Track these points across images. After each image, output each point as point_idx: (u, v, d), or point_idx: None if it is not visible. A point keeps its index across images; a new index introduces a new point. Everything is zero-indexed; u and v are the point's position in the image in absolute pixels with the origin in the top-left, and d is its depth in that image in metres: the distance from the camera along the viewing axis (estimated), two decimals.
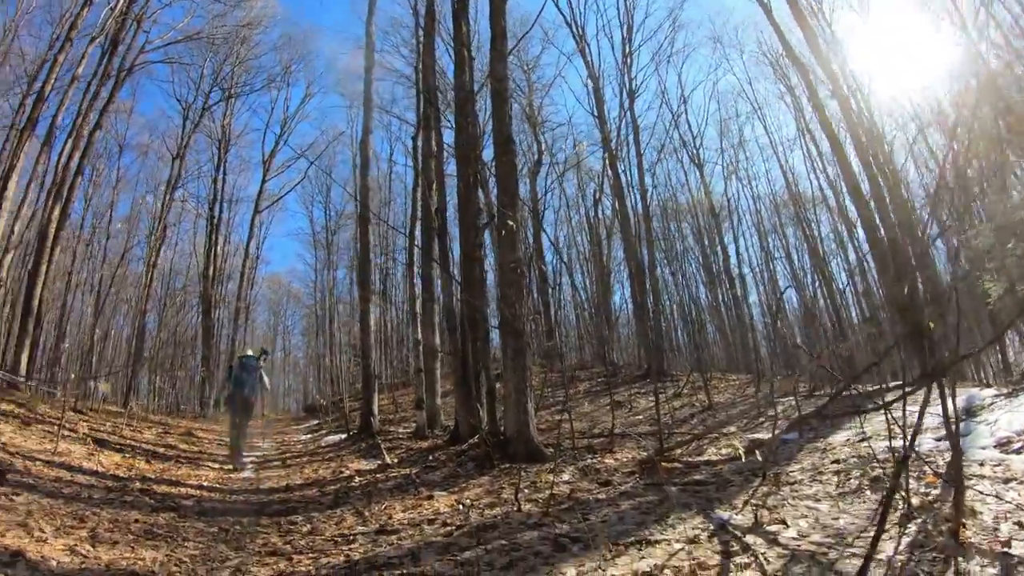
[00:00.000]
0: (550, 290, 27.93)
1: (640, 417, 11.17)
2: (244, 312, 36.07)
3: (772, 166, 32.10)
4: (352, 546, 4.95)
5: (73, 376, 16.71)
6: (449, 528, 5.19)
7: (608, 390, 14.50)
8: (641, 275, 19.36)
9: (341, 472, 8.71)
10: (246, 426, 10.37)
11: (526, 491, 6.18)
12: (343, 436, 12.65)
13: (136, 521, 5.40)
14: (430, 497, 6.49)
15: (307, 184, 39.84)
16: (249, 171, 39.08)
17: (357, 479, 7.99)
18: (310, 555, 4.78)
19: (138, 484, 6.95)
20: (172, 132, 31.51)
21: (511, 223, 8.48)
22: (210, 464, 9.65)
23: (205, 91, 31.88)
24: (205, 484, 7.82)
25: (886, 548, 3.34)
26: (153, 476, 7.72)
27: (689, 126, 29.58)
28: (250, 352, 11.04)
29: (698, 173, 29.12)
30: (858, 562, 3.13)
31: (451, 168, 14.76)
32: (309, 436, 15.31)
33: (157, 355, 33.44)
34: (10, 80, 21.53)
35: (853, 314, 27.25)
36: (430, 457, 8.76)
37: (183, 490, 7.14)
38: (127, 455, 8.81)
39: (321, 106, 71.25)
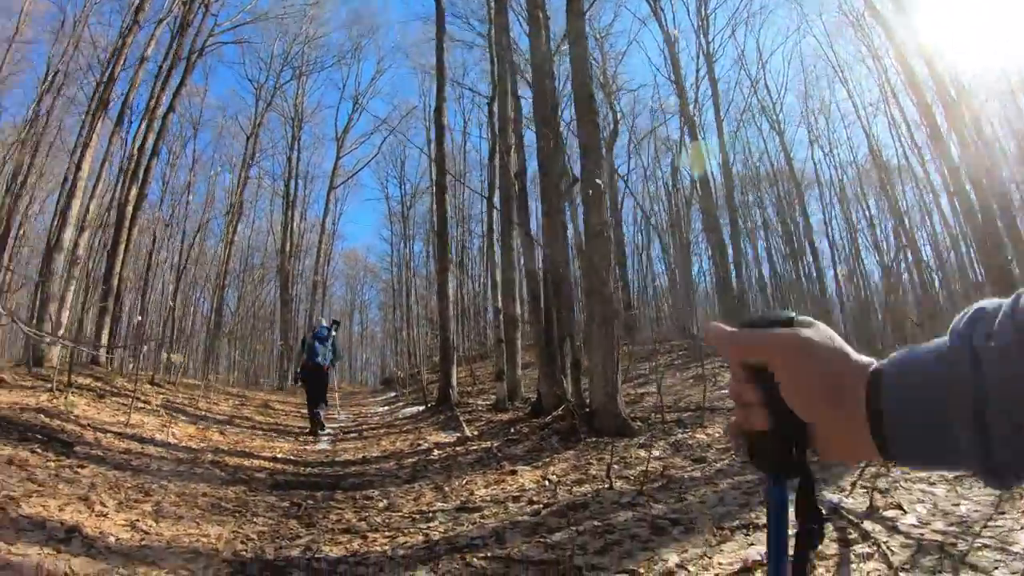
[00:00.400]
0: (627, 261, 27.12)
1: (727, 391, 10.42)
2: (321, 287, 36.40)
3: (853, 132, 30.11)
4: (431, 524, 4.50)
5: (146, 348, 16.67)
6: (536, 506, 4.71)
7: (690, 363, 13.87)
8: (723, 245, 18.45)
9: (419, 444, 8.32)
10: (323, 394, 10.42)
11: (616, 467, 5.65)
12: (421, 408, 12.29)
13: (204, 495, 5.07)
14: (513, 472, 6.00)
15: (381, 159, 39.96)
16: (323, 148, 39.35)
17: (436, 452, 7.57)
18: (386, 533, 4.35)
19: (210, 456, 6.66)
20: (245, 112, 31.98)
21: (597, 182, 7.92)
22: (285, 436, 9.41)
23: (276, 71, 32.35)
24: (279, 456, 7.51)
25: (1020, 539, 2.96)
26: (226, 448, 7.44)
27: (768, 91, 27.92)
28: (324, 323, 11.21)
29: (778, 140, 27.70)
30: (993, 555, 2.81)
31: (528, 139, 14.23)
32: (386, 408, 15.06)
33: (236, 329, 34.07)
34: (84, 67, 21.93)
35: (939, 287, 25.72)
36: (511, 430, 8.27)
37: (256, 462, 6.83)
38: (201, 426, 8.60)
39: (392, 79, 70.78)
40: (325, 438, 9.39)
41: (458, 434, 8.80)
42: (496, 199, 13.66)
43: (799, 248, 28.68)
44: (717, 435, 6.61)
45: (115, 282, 19.02)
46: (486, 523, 4.44)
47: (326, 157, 37.73)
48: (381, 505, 5.18)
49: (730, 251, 19.11)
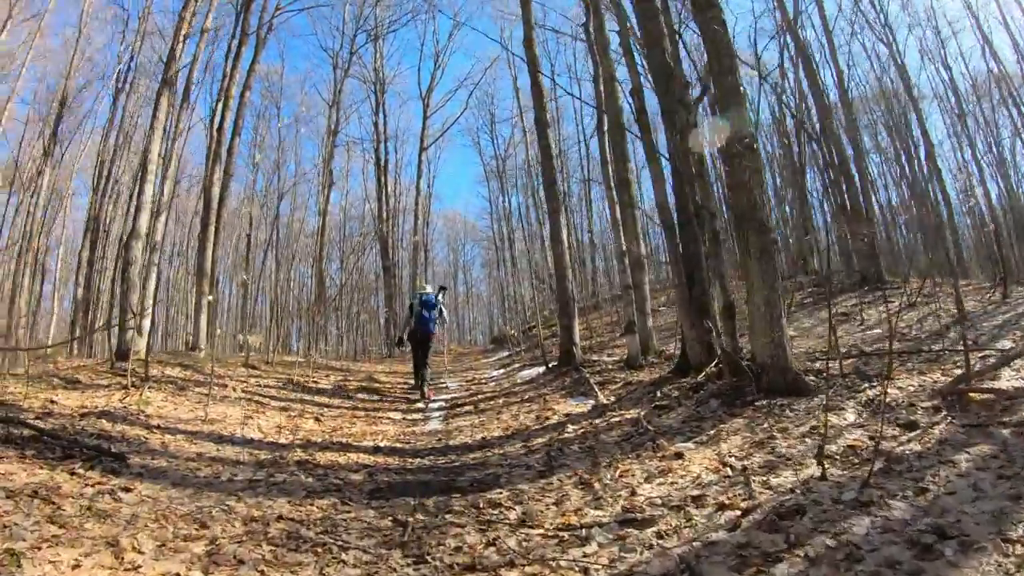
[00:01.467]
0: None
1: (878, 331, 8.86)
2: (422, 249, 35.87)
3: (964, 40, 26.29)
4: (587, 551, 3.10)
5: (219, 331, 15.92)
6: (731, 513, 3.27)
7: (820, 302, 12.33)
8: (846, 166, 16.15)
9: (547, 417, 6.91)
10: (427, 360, 10.52)
11: (808, 441, 4.22)
12: (540, 370, 10.92)
13: (280, 518, 3.78)
14: (679, 455, 4.54)
15: (470, 116, 39.52)
16: (409, 110, 38.78)
17: (570, 427, 6.14)
18: (526, 567, 2.97)
19: (298, 453, 5.44)
20: (324, 83, 31.57)
21: (738, 86, 6.38)
22: (390, 415, 8.19)
23: (350, 36, 31.63)
24: (383, 445, 6.22)
25: None
26: (319, 440, 6.21)
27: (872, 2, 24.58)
28: (429, 289, 11.21)
29: (888, 53, 24.44)
30: None
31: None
32: (501, 371, 13.77)
33: (339, 300, 33.82)
34: (154, 61, 21.45)
35: None
36: (656, 393, 6.73)
37: (353, 457, 5.55)
38: (293, 414, 7.45)
39: (472, 34, 67.71)
40: (436, 415, 8.15)
41: (591, 401, 7.37)
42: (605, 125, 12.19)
43: (917, 171, 25.42)
44: (911, 388, 5.05)
45: (208, 265, 18.54)
46: (667, 547, 3.00)
47: (413, 119, 37.26)
48: (513, 516, 3.78)
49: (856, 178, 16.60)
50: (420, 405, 9.14)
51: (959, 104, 26.19)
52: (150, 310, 11.65)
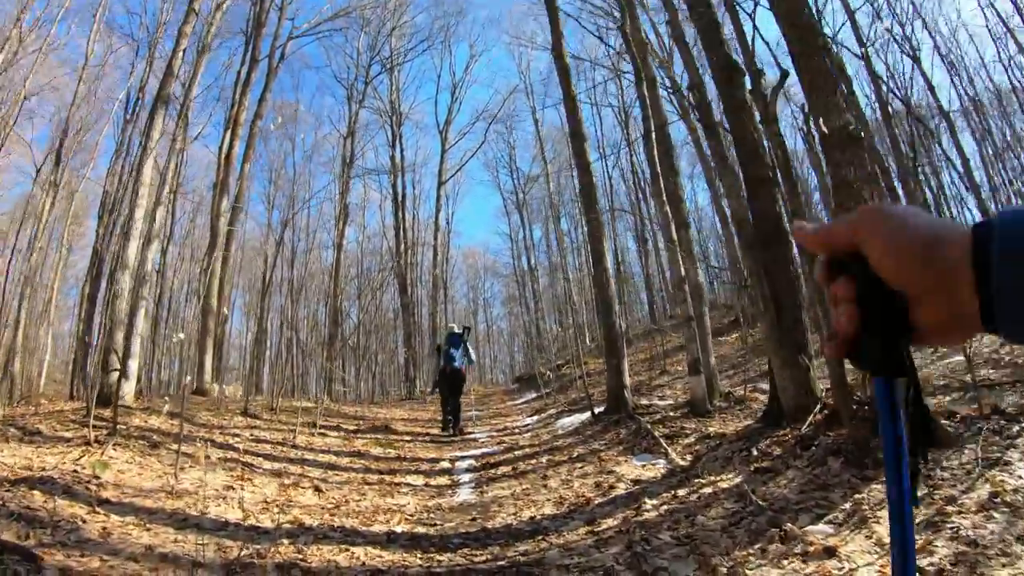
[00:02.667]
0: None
1: (958, 358, 6.94)
2: (442, 287, 34.76)
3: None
4: None
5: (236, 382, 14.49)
6: None
7: None
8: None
9: (611, 485, 5.36)
10: (458, 395, 10.85)
11: (996, 515, 2.97)
12: (583, 417, 9.30)
13: None
14: (829, 551, 3.08)
15: (489, 150, 38.71)
16: (427, 145, 38.04)
17: (648, 503, 4.60)
18: None
19: (284, 548, 3.94)
20: (339, 117, 30.71)
21: (824, 65, 5.05)
22: (410, 480, 6.63)
23: (364, 66, 30.82)
24: (399, 531, 4.64)
25: None
26: (316, 524, 4.64)
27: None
28: (456, 329, 11.50)
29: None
30: None
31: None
32: (535, 418, 12.02)
33: (357, 340, 32.57)
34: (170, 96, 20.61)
35: None
36: (751, 451, 5.21)
37: (359, 554, 4.00)
38: (288, 482, 5.95)
39: (489, 64, 66.27)
40: (466, 477, 6.62)
41: (661, 461, 5.87)
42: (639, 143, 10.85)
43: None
44: None
45: (213, 301, 17.33)
46: None
47: (431, 155, 36.56)
48: None
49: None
50: (445, 465, 7.67)
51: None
52: (137, 349, 10.24)
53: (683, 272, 8.12)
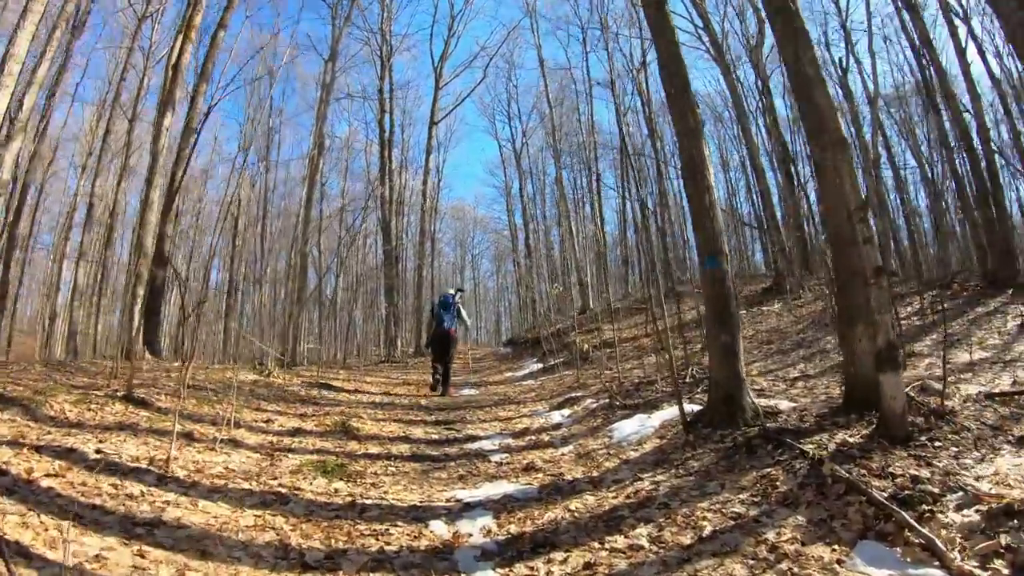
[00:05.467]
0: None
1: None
2: (429, 239, 31.44)
3: None
4: None
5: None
6: None
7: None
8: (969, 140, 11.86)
9: None
10: (446, 354, 10.98)
11: None
12: (659, 422, 5.97)
13: None
14: None
15: (487, 93, 36.56)
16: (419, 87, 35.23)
17: None
18: None
19: None
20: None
21: None
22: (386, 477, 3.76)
23: None
24: None
25: None
26: None
27: None
28: (449, 291, 11.89)
29: None
30: None
31: None
32: (566, 413, 8.01)
33: (334, 294, 29.29)
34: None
35: None
36: None
37: None
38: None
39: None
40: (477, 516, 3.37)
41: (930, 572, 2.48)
42: None
43: None
44: None
45: (150, 239, 14.00)
46: None
47: (423, 100, 34.73)
48: None
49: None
50: (438, 535, 3.76)
51: None
52: None
53: (851, 202, 4.54)
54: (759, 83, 19.71)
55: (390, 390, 11.48)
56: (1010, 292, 9.34)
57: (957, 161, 13.97)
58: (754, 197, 27.26)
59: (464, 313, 11.60)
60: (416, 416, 8.13)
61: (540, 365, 15.92)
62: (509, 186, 38.40)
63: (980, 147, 11.66)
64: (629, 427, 6.14)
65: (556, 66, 31.05)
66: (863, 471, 3.57)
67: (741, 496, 3.72)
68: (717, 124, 31.55)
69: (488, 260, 54.95)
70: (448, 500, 4.46)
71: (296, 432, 6.44)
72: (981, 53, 15.51)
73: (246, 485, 4.39)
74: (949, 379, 4.93)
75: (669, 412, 6.17)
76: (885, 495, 3.20)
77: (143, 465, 4.35)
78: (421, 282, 27.88)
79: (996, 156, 13.17)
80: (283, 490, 4.34)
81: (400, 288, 27.36)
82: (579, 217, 33.52)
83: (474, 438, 6.84)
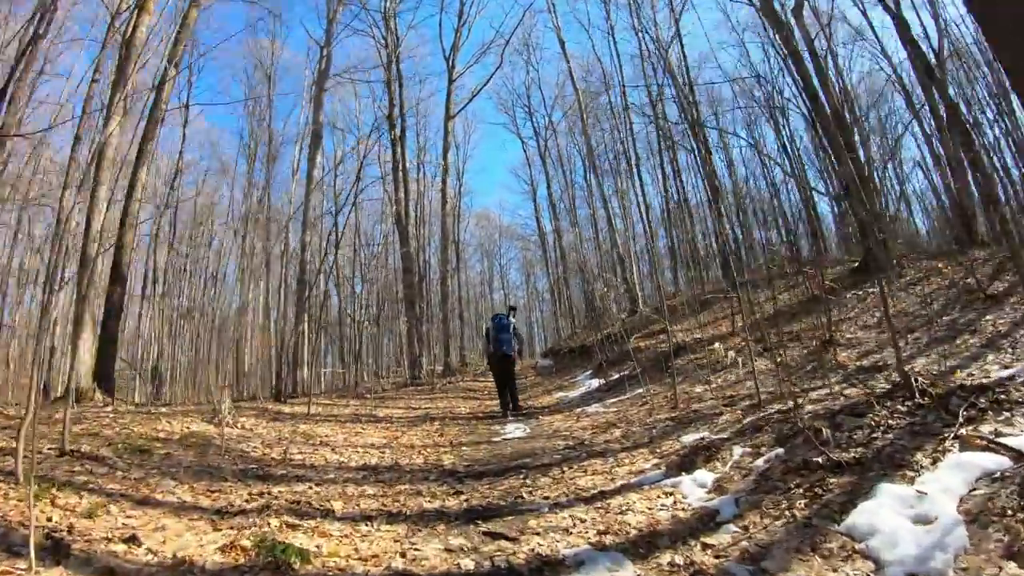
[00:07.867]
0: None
1: None
2: (453, 247, 28.69)
3: None
4: None
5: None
6: None
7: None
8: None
9: None
10: (514, 383, 10.89)
11: None
12: (912, 496, 2.43)
13: None
14: None
15: (503, 87, 35.33)
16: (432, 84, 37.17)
17: None
18: None
19: None
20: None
21: None
22: None
23: None
24: None
25: None
26: None
27: None
28: (502, 311, 12.04)
29: None
30: None
31: None
32: (675, 459, 4.76)
33: (341, 310, 26.19)
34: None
35: None
36: None
37: None
38: None
39: None
40: None
41: None
42: None
43: None
44: None
45: (93, 248, 11.09)
46: None
47: (437, 99, 34.15)
48: None
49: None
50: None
51: None
52: None
53: None
54: None
55: (400, 435, 7.98)
56: None
57: None
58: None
59: (520, 332, 11.51)
60: (431, 501, 4.44)
61: (599, 381, 12.48)
62: (535, 187, 36.92)
63: None
64: (887, 520, 2.59)
65: (579, 52, 28.32)
66: None
67: None
68: None
69: (515, 270, 53.33)
70: None
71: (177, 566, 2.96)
72: None
73: None
74: None
75: (950, 478, 2.72)
76: None
77: None
78: (447, 293, 24.78)
79: None
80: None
81: (423, 295, 25.22)
82: (622, 203, 29.77)
83: (549, 562, 3.25)
